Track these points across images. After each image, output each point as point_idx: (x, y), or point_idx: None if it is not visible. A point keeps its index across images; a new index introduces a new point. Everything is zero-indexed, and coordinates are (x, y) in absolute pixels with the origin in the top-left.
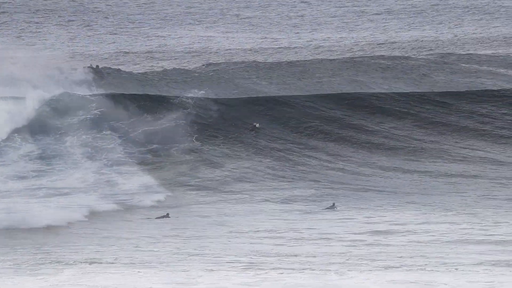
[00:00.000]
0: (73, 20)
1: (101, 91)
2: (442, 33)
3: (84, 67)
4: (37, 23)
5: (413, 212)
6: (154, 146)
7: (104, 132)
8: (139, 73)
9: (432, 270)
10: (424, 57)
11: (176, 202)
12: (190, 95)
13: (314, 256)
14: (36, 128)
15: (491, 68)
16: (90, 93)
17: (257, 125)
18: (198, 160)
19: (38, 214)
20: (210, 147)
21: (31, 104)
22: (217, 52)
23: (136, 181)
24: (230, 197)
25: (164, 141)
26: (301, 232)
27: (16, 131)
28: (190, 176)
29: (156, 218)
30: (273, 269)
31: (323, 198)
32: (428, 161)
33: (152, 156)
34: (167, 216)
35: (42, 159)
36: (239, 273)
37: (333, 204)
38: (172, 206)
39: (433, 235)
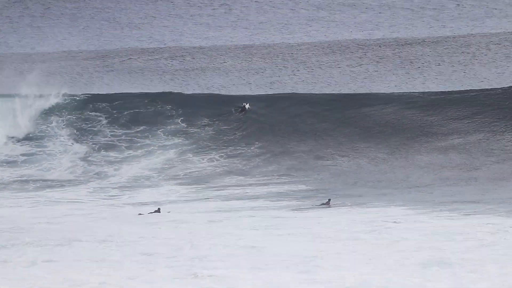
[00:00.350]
0: (41, 16)
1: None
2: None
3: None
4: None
5: (399, 208)
6: (141, 127)
7: (89, 113)
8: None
9: (405, 270)
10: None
11: (166, 197)
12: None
13: (292, 255)
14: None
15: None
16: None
17: (247, 105)
18: (185, 144)
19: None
20: (196, 129)
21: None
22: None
23: (125, 173)
24: (218, 193)
25: (150, 122)
26: (283, 230)
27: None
28: (178, 167)
29: (148, 213)
30: (247, 268)
31: (314, 194)
32: (422, 151)
33: (138, 138)
34: (158, 211)
35: (30, 140)
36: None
37: (329, 200)
38: (163, 202)
39: (412, 233)
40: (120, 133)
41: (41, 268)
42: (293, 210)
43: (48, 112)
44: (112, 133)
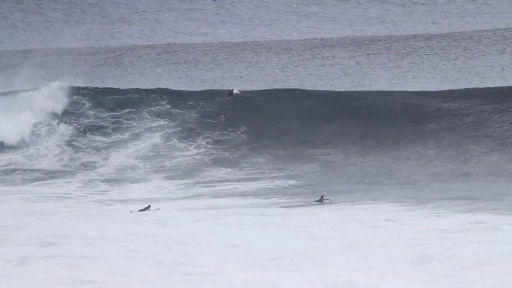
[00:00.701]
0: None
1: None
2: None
3: None
4: None
5: (390, 205)
6: (127, 109)
7: (75, 98)
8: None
9: (398, 267)
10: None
11: (155, 194)
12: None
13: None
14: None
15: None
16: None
17: (235, 90)
18: (171, 127)
19: None
20: (180, 111)
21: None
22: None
23: (113, 162)
24: (208, 190)
25: (135, 105)
26: (275, 228)
27: None
28: (165, 156)
29: (139, 210)
30: (237, 266)
31: (304, 190)
32: (411, 141)
33: (124, 119)
34: (148, 208)
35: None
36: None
37: (321, 197)
38: (152, 199)
39: (404, 231)
40: (105, 115)
41: (33, 266)
42: (284, 207)
43: (36, 99)
44: (97, 115)
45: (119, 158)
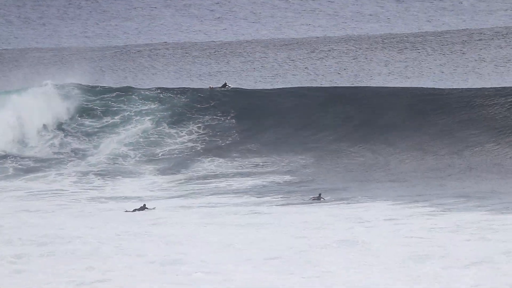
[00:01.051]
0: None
1: None
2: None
3: None
4: None
5: (385, 204)
6: (116, 93)
7: (67, 89)
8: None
9: (397, 266)
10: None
11: (149, 192)
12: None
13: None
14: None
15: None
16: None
17: (230, 85)
18: (160, 110)
19: None
20: (169, 94)
21: None
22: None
23: (103, 150)
24: (202, 186)
25: (124, 89)
26: (271, 227)
27: None
28: (157, 143)
29: (133, 210)
30: (233, 265)
31: (299, 187)
32: (406, 134)
33: (113, 103)
34: (144, 207)
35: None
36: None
37: (319, 195)
38: (146, 196)
39: (402, 229)
40: (94, 98)
41: (30, 265)
42: (279, 205)
43: (29, 96)
44: (85, 98)
45: (110, 145)
